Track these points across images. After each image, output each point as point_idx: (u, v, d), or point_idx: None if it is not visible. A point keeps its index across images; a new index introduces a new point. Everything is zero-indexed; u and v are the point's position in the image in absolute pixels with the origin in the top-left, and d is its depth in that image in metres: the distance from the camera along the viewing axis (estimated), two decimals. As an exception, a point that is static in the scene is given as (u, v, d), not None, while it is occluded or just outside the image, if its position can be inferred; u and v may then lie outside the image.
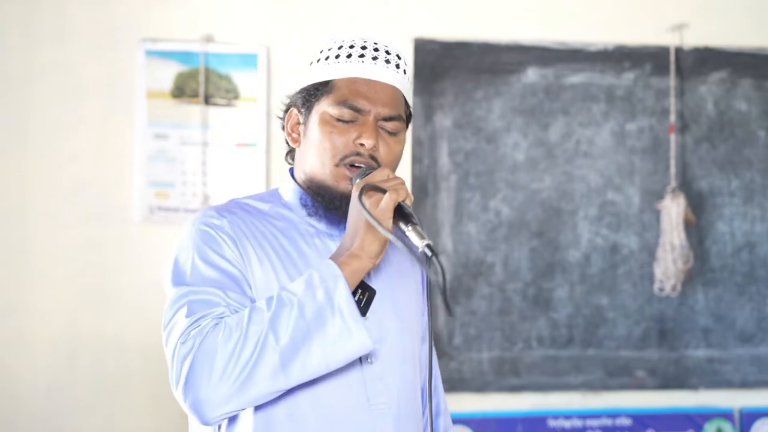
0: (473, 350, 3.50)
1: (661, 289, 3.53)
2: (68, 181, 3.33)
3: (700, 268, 3.59)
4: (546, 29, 3.57)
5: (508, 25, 3.55)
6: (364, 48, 1.73)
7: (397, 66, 1.74)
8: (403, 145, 1.76)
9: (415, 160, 3.49)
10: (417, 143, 3.48)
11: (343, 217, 1.70)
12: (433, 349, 1.80)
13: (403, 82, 1.75)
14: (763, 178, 3.64)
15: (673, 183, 3.54)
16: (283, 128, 1.81)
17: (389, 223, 1.57)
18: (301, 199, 1.75)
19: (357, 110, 1.69)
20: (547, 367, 3.53)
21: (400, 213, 1.59)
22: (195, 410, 1.54)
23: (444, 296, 1.49)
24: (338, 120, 1.69)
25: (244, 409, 1.57)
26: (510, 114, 3.53)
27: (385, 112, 1.70)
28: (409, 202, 1.59)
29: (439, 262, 1.52)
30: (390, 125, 1.72)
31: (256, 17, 3.44)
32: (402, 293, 1.81)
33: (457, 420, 3.44)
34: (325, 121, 1.70)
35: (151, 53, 3.35)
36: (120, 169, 3.34)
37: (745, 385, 3.63)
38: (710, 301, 3.62)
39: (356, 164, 1.68)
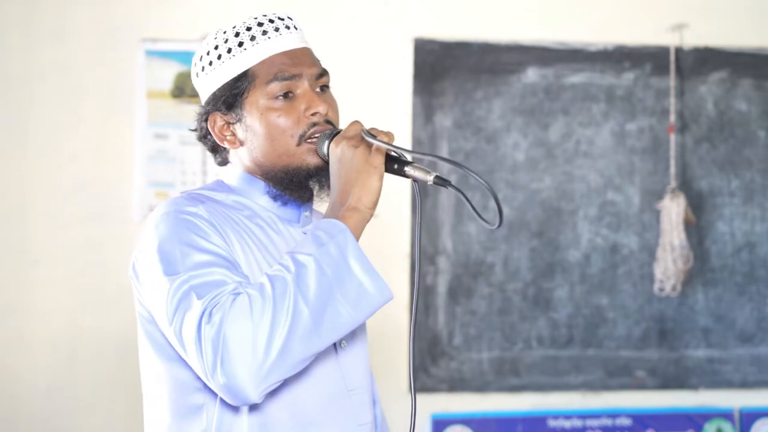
0: (473, 350, 3.50)
1: (661, 289, 3.53)
2: (68, 181, 3.33)
3: (700, 268, 3.59)
4: (546, 29, 3.57)
5: (508, 25, 3.55)
6: (261, 25, 1.66)
7: (295, 27, 1.69)
8: (333, 95, 1.72)
9: (415, 160, 3.48)
10: (417, 143, 3.48)
11: (308, 200, 1.68)
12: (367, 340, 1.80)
13: (307, 41, 1.71)
14: (763, 178, 3.64)
15: (673, 183, 3.54)
16: (203, 137, 1.70)
17: (383, 167, 1.58)
18: (263, 188, 1.68)
19: (290, 78, 1.63)
20: (547, 367, 3.53)
21: (390, 157, 1.59)
22: (237, 391, 1.43)
23: (475, 210, 1.53)
24: (277, 99, 1.62)
25: (281, 381, 1.47)
26: (510, 114, 3.53)
27: (315, 70, 1.66)
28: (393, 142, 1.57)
29: (456, 187, 1.53)
30: (323, 80, 1.67)
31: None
32: None
33: (457, 420, 3.45)
34: (266, 108, 1.62)
35: (151, 53, 3.35)
36: (120, 169, 3.34)
37: (745, 385, 3.63)
38: (710, 301, 3.62)
39: (316, 135, 1.63)
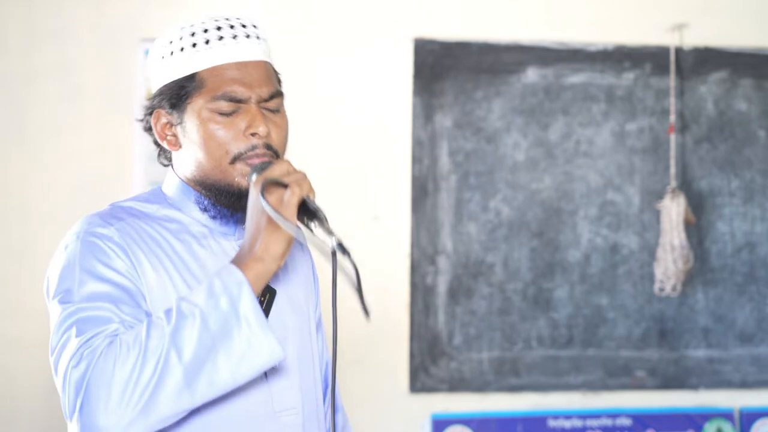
0: (473, 350, 3.49)
1: (661, 289, 3.53)
2: (68, 181, 3.33)
3: (700, 268, 3.59)
4: (546, 29, 3.57)
5: (508, 25, 3.56)
6: (219, 29, 1.58)
7: (258, 37, 1.62)
8: (287, 118, 1.64)
9: (415, 160, 3.49)
10: (417, 143, 3.48)
11: (241, 214, 1.59)
12: (326, 342, 1.75)
13: (268, 52, 1.64)
14: (763, 178, 3.64)
15: (673, 183, 3.54)
16: (148, 129, 1.66)
17: (293, 220, 1.45)
18: (195, 198, 1.62)
19: (237, 101, 1.56)
20: (547, 367, 3.53)
21: (305, 209, 1.47)
22: None
23: (360, 297, 1.41)
24: (219, 114, 1.56)
25: None
26: (510, 114, 3.53)
27: (265, 92, 1.59)
28: (312, 196, 1.48)
29: (352, 261, 1.41)
30: (272, 104, 1.60)
31: (253, 17, 3.43)
32: (295, 287, 1.72)
33: (457, 420, 3.45)
34: (206, 119, 1.57)
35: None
36: (120, 169, 3.34)
37: (745, 385, 3.63)
38: (710, 301, 3.62)
39: (252, 158, 1.56)
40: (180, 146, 1.62)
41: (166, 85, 1.61)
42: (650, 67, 3.59)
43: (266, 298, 1.54)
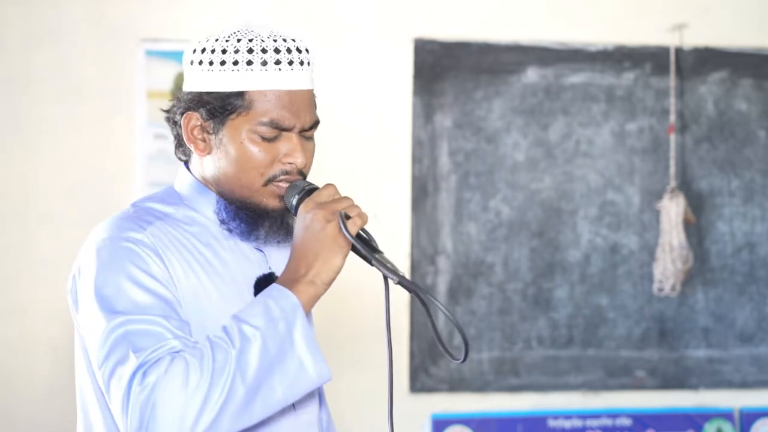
0: (473, 350, 3.49)
1: (661, 289, 3.53)
2: (68, 181, 3.33)
3: (700, 268, 3.59)
4: (546, 29, 3.57)
5: (508, 25, 3.55)
6: (278, 51, 1.56)
7: (309, 63, 1.61)
8: (314, 142, 1.65)
9: (415, 160, 3.49)
10: (417, 143, 3.48)
11: (260, 230, 1.61)
12: None
13: (313, 78, 1.64)
14: (763, 178, 3.64)
15: (673, 183, 3.54)
16: (174, 124, 1.65)
17: (349, 248, 1.50)
18: (214, 207, 1.62)
19: (282, 128, 1.57)
20: (547, 367, 3.53)
21: (359, 238, 1.51)
22: None
23: (441, 343, 1.48)
24: (262, 138, 1.56)
25: None
26: (510, 114, 3.53)
27: (308, 122, 1.60)
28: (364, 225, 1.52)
29: (421, 295, 1.48)
30: (310, 133, 1.62)
31: (255, 17, 3.44)
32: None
33: (457, 420, 3.45)
34: (247, 140, 1.56)
35: (151, 53, 3.35)
36: (120, 169, 3.34)
37: (745, 385, 3.63)
38: (710, 301, 3.62)
39: (283, 181, 1.58)
40: (209, 153, 1.61)
41: (209, 93, 1.58)
42: (650, 67, 3.59)
43: None
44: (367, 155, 3.47)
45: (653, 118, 3.59)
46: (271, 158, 1.57)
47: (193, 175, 1.65)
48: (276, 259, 1.66)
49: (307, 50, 1.62)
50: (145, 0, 3.39)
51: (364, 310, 3.43)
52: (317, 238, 1.49)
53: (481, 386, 3.50)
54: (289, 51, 1.58)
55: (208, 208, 1.63)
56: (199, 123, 1.60)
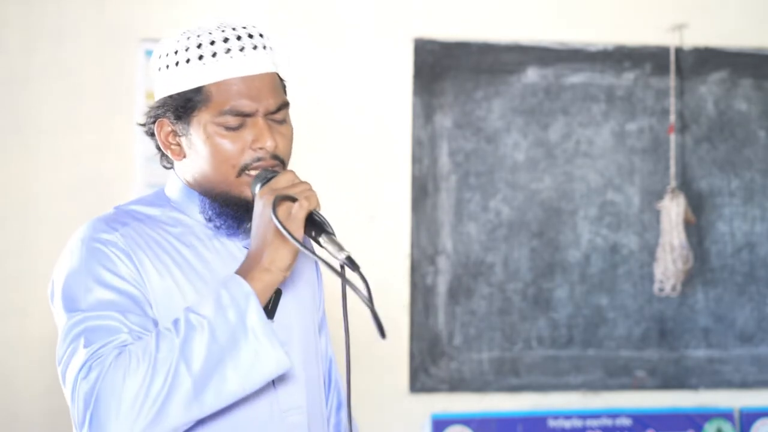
0: (473, 350, 3.50)
1: (661, 289, 3.53)
2: (68, 181, 3.33)
3: (700, 268, 3.59)
4: (546, 29, 3.57)
5: (508, 25, 3.55)
6: (226, 41, 1.57)
7: (265, 47, 1.61)
8: (292, 126, 1.63)
9: (415, 160, 3.48)
10: (417, 143, 3.48)
11: (247, 223, 1.60)
12: (330, 339, 1.77)
13: (276, 62, 1.63)
14: (763, 178, 3.64)
15: (673, 183, 3.54)
16: (151, 135, 1.65)
17: (300, 233, 1.47)
18: (199, 206, 1.63)
19: (243, 115, 1.56)
20: (547, 367, 3.53)
21: (311, 221, 1.49)
22: None
23: (374, 316, 1.42)
24: (226, 128, 1.56)
25: None
26: (510, 114, 3.53)
27: (272, 104, 1.58)
28: (318, 209, 1.49)
29: (363, 276, 1.43)
30: (279, 115, 1.60)
31: (256, 17, 3.44)
32: (300, 286, 1.72)
33: (457, 420, 3.45)
34: (213, 134, 1.56)
35: (151, 53, 3.35)
36: (120, 169, 3.34)
37: (745, 385, 3.63)
38: (710, 301, 3.62)
39: (256, 169, 1.57)
40: (185, 156, 1.62)
41: (171, 96, 1.59)
42: (650, 67, 3.59)
43: (272, 298, 1.54)
44: (367, 155, 3.47)
45: (653, 118, 3.59)
46: (240, 147, 1.56)
47: (182, 181, 1.66)
48: None
49: (260, 35, 1.61)
50: (145, 0, 3.39)
51: (363, 310, 3.42)
52: (267, 224, 1.48)
53: (481, 386, 3.50)
54: (238, 38, 1.59)
55: (194, 210, 1.64)
56: (170, 128, 1.61)
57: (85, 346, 1.44)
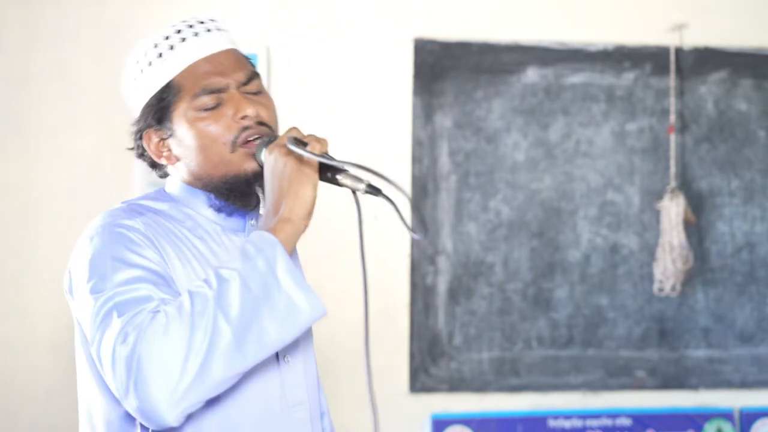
0: (473, 350, 3.50)
1: (661, 289, 3.53)
2: (68, 181, 3.33)
3: (700, 268, 3.59)
4: (546, 29, 3.57)
5: (508, 25, 3.56)
6: (179, 32, 1.60)
7: (218, 29, 1.63)
8: (271, 97, 1.65)
9: (415, 160, 3.49)
10: (417, 143, 3.49)
11: (255, 207, 1.64)
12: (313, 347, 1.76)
13: (233, 41, 1.65)
14: (763, 178, 3.64)
15: (673, 183, 3.54)
16: (142, 155, 1.67)
17: (316, 177, 1.49)
18: (203, 198, 1.63)
19: (216, 91, 1.57)
20: (547, 367, 3.53)
21: (326, 166, 1.50)
22: (153, 413, 1.37)
23: (413, 217, 1.42)
24: (204, 110, 1.57)
25: (202, 403, 1.41)
26: (510, 114, 3.53)
27: (241, 76, 1.60)
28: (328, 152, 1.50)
29: (389, 198, 1.45)
30: (252, 86, 1.61)
31: (256, 17, 3.44)
32: None
33: (457, 420, 3.45)
34: (194, 119, 1.57)
35: (151, 53, 3.35)
36: (120, 169, 3.34)
37: (745, 385, 3.63)
38: (710, 301, 3.62)
39: (250, 139, 1.58)
40: (177, 159, 1.63)
41: (146, 103, 1.62)
42: (650, 67, 3.59)
43: None
44: (367, 155, 3.46)
45: (653, 118, 3.59)
46: (225, 124, 1.57)
47: (180, 181, 1.67)
48: None
49: (211, 20, 1.64)
50: (145, 0, 3.39)
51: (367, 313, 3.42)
52: (282, 175, 1.49)
53: (481, 386, 3.50)
54: (190, 26, 1.62)
55: (200, 205, 1.64)
56: (157, 137, 1.63)
57: (119, 316, 1.41)
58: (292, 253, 1.50)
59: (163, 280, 1.48)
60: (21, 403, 3.30)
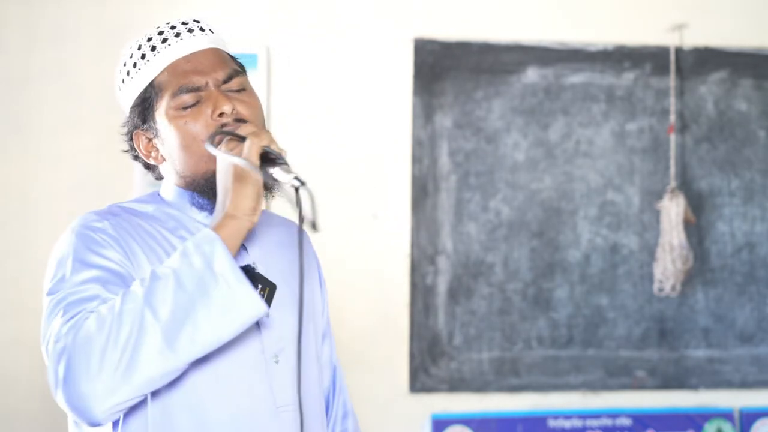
0: (473, 350, 3.50)
1: (661, 289, 3.53)
2: (68, 181, 3.33)
3: (700, 268, 3.59)
4: (546, 29, 3.57)
5: (508, 25, 3.56)
6: (161, 33, 1.64)
7: (201, 29, 1.65)
8: (256, 95, 1.65)
9: (415, 160, 3.48)
10: (417, 143, 3.48)
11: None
12: (334, 347, 1.79)
13: (217, 40, 1.67)
14: (763, 178, 3.64)
15: (673, 183, 3.54)
16: (136, 158, 1.70)
17: (257, 172, 1.46)
18: (190, 199, 1.65)
19: (195, 89, 1.59)
20: (547, 367, 3.53)
21: (268, 159, 1.49)
22: (80, 409, 1.40)
23: (300, 215, 1.41)
24: (184, 108, 1.59)
25: (135, 400, 1.43)
26: (510, 114, 3.53)
27: (221, 75, 1.61)
28: (276, 149, 1.48)
29: (309, 190, 1.42)
30: (233, 84, 1.62)
31: (256, 17, 3.44)
32: (305, 290, 1.70)
33: (457, 420, 3.45)
34: (173, 117, 1.59)
35: (151, 53, 3.35)
36: (120, 169, 3.34)
37: (745, 385, 3.63)
38: (710, 301, 3.62)
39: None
40: (164, 159, 1.65)
41: (133, 104, 1.65)
42: (650, 67, 3.59)
43: (266, 292, 1.53)
44: (367, 155, 3.47)
45: (653, 118, 3.59)
46: (203, 122, 1.58)
47: (171, 183, 1.69)
48: (257, 254, 1.66)
49: (195, 21, 1.67)
50: (145, 0, 3.39)
51: (364, 311, 3.43)
52: (227, 171, 1.50)
53: (481, 386, 3.50)
54: (173, 27, 1.65)
55: (186, 206, 1.66)
56: (146, 138, 1.66)
57: (62, 316, 1.45)
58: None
59: (119, 280, 1.51)
60: (21, 402, 3.30)
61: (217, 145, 1.52)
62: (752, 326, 3.64)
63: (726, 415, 3.58)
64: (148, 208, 1.66)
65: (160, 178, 1.72)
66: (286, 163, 1.48)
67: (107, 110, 3.34)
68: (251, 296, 1.44)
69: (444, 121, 3.50)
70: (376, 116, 3.49)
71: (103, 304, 1.45)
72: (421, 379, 3.47)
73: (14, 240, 3.32)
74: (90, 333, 1.39)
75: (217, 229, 1.47)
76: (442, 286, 3.49)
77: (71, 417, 1.59)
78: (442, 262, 3.49)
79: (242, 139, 1.50)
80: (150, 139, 1.65)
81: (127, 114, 1.67)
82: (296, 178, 1.44)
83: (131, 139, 1.68)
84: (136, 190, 3.30)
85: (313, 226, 1.42)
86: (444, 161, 3.50)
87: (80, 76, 3.35)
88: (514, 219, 3.52)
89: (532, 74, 3.55)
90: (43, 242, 3.32)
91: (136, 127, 1.66)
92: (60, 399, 1.42)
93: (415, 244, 3.47)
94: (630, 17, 3.61)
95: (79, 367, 1.38)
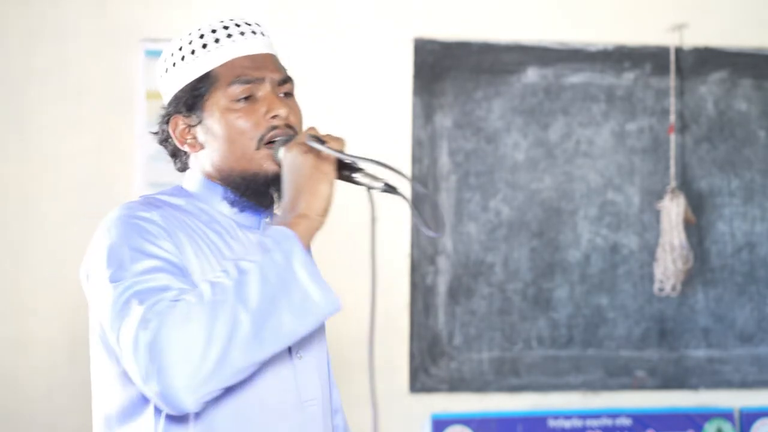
0: (473, 350, 3.50)
1: (661, 289, 3.53)
2: (68, 181, 3.33)
3: (700, 268, 3.59)
4: (546, 29, 3.57)
5: (508, 25, 3.56)
6: (226, 28, 1.65)
7: (263, 34, 1.68)
8: (299, 105, 1.70)
9: (415, 160, 3.49)
10: (417, 143, 3.49)
11: (267, 205, 1.66)
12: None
13: (274, 48, 1.70)
14: (763, 178, 3.64)
15: (673, 183, 3.54)
16: (164, 141, 1.71)
17: (333, 173, 1.53)
18: (221, 193, 1.66)
19: (251, 82, 1.62)
20: (547, 367, 3.53)
21: (343, 165, 1.54)
22: (171, 400, 1.40)
23: (432, 215, 1.46)
24: (238, 101, 1.61)
25: (221, 391, 1.44)
26: (510, 114, 3.53)
27: (278, 76, 1.64)
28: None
29: (402, 195, 1.49)
30: (286, 87, 1.66)
31: (256, 18, 3.43)
32: None
33: (457, 420, 3.45)
34: (226, 109, 1.61)
35: (151, 53, 3.35)
36: (120, 169, 3.34)
37: (745, 385, 3.63)
38: (710, 301, 3.62)
39: (276, 139, 1.61)
40: (201, 147, 1.66)
41: (179, 91, 1.65)
42: (650, 67, 3.59)
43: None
44: (367, 155, 3.47)
45: (653, 118, 3.59)
46: (255, 120, 1.61)
47: (200, 173, 1.69)
48: None
49: (257, 24, 1.69)
50: (145, 0, 3.39)
51: (366, 312, 3.42)
52: (299, 171, 1.52)
53: (481, 386, 3.50)
54: (237, 25, 1.66)
55: (216, 200, 1.67)
56: (184, 124, 1.66)
57: (140, 304, 1.43)
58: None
59: (179, 271, 1.51)
60: (21, 402, 3.30)
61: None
62: (752, 326, 3.64)
63: (726, 415, 3.58)
64: (180, 202, 1.65)
65: (183, 168, 1.73)
66: (362, 169, 1.55)
67: (107, 110, 3.37)
68: (327, 294, 1.47)
69: (444, 121, 3.50)
70: (376, 116, 3.49)
71: (184, 294, 1.44)
72: (421, 379, 3.47)
73: (14, 240, 3.32)
74: (182, 323, 1.39)
75: (291, 226, 1.48)
76: (442, 286, 3.49)
77: (104, 412, 1.60)
78: (442, 262, 3.49)
79: (321, 141, 1.53)
80: (189, 126, 1.65)
81: (169, 98, 1.67)
82: (386, 184, 1.51)
83: (166, 123, 1.68)
84: (136, 190, 3.30)
85: (437, 227, 1.48)
86: (444, 161, 3.50)
87: (80, 76, 3.35)
88: (514, 219, 3.52)
89: (532, 74, 3.55)
90: (43, 242, 3.33)
91: (177, 112, 1.66)
92: (152, 389, 1.40)
93: (415, 244, 3.47)
94: (630, 17, 3.61)
95: (175, 358, 1.38)
